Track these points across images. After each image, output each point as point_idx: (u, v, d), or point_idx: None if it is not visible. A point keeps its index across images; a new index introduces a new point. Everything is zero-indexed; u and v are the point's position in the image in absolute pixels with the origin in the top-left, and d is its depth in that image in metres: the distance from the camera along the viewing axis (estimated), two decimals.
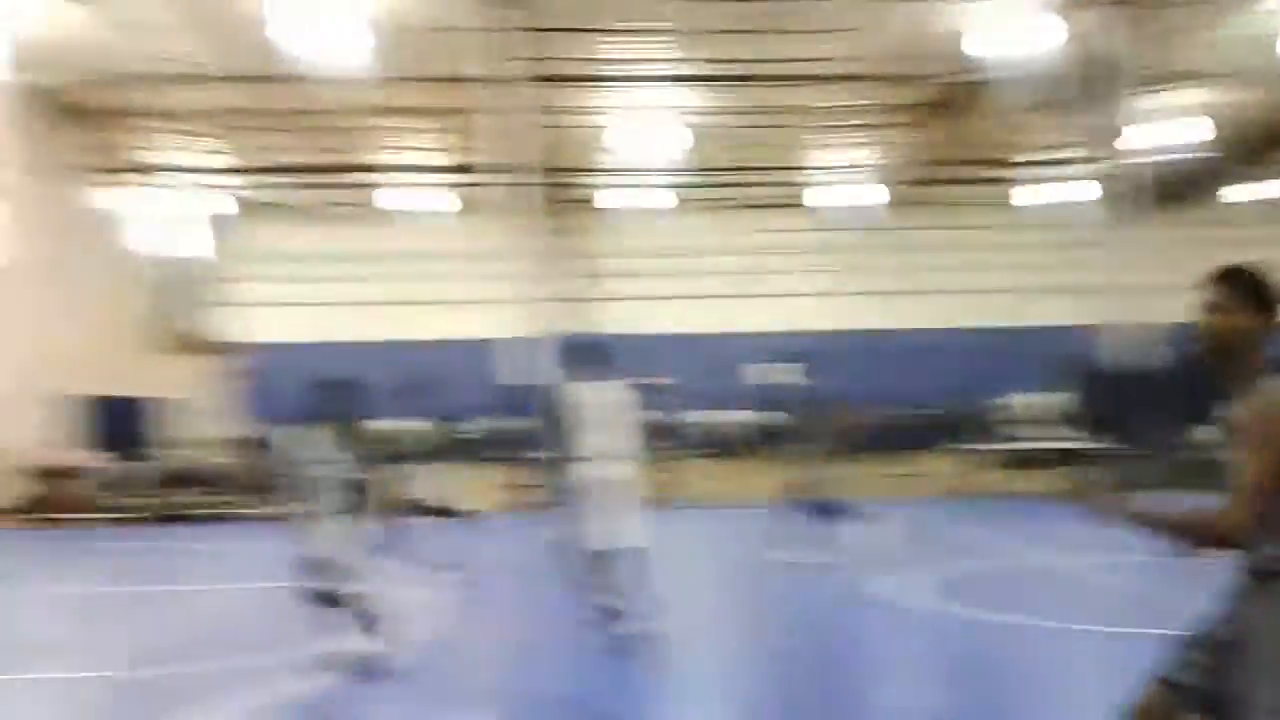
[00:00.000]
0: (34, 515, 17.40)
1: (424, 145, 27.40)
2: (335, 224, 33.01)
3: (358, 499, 7.00)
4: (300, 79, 21.02)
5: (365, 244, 32.49)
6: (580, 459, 7.66)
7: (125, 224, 27.38)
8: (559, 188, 26.69)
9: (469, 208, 30.66)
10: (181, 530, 16.01)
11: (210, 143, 26.59)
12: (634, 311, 27.53)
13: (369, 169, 27.48)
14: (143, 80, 21.91)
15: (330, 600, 6.58)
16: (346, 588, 6.63)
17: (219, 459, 19.73)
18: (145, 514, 17.14)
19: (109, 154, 25.33)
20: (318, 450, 7.01)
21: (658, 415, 25.56)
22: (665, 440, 23.95)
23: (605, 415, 7.77)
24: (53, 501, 17.48)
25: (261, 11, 18.33)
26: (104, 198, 26.07)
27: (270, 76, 20.90)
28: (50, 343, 22.04)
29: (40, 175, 21.50)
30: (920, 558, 12.26)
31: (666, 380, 25.11)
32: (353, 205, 31.61)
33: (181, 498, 17.78)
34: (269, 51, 19.99)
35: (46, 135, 22.14)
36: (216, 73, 20.96)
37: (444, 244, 31.52)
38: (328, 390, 7.30)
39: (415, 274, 31.18)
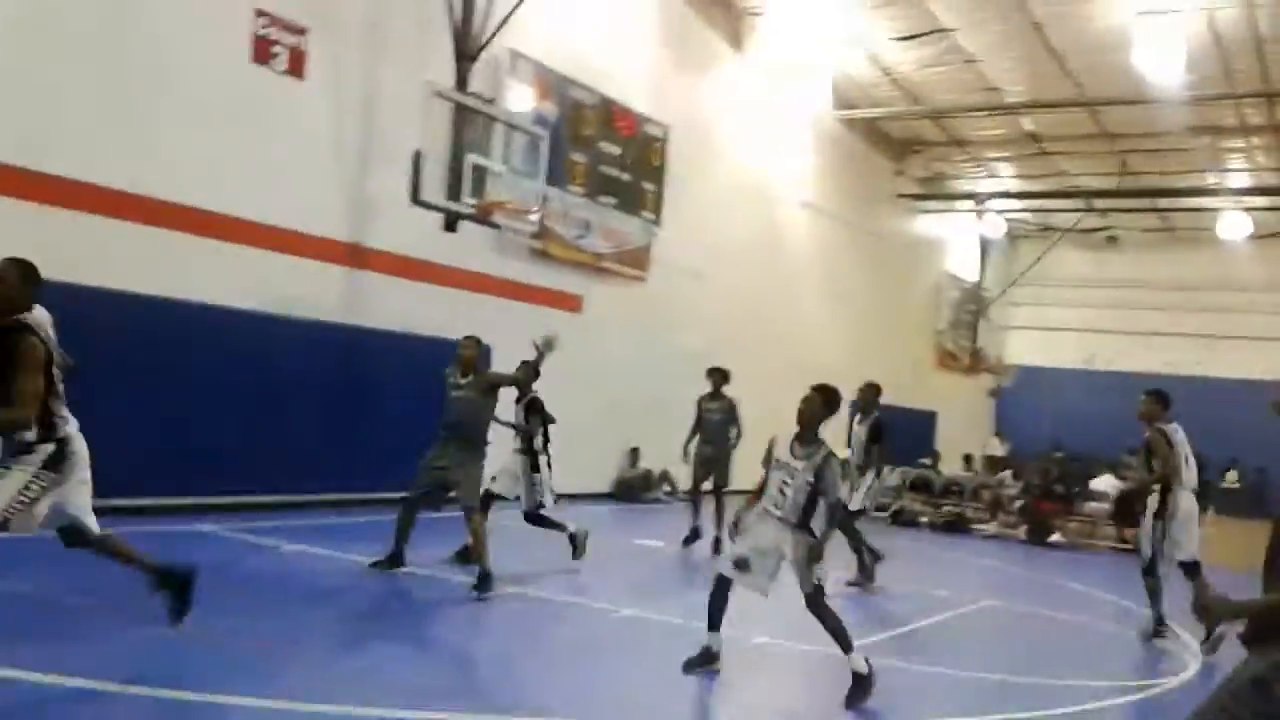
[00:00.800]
0: None
1: (1232, 166, 24.97)
2: (1124, 249, 31.76)
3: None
4: (1108, 103, 20.45)
5: (1154, 270, 30.79)
6: None
7: (931, 246, 29.03)
8: None
9: (1275, 233, 27.42)
10: (936, 537, 16.45)
11: (1006, 168, 27.11)
12: None
13: (1163, 193, 25.75)
14: (949, 112, 22.99)
15: None
16: None
17: (976, 474, 20.03)
18: (926, 520, 17.90)
19: (917, 181, 27.04)
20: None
21: None
22: None
23: None
24: None
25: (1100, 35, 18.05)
26: (913, 221, 27.85)
27: (1078, 102, 20.61)
28: (851, 351, 24.18)
29: (859, 201, 23.65)
30: None
31: None
32: (1146, 230, 30.04)
33: (950, 506, 18.29)
34: (1072, 77, 19.74)
35: (862, 165, 24.26)
36: (1020, 101, 21.19)
37: (1243, 272, 28.61)
38: None
39: (1210, 304, 28.72)
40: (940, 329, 29.85)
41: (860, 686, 5.94)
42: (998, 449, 29.57)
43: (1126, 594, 11.66)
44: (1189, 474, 8.67)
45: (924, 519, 18.09)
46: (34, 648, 5.36)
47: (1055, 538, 16.66)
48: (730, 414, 11.69)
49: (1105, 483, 18.05)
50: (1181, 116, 21.51)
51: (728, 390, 11.82)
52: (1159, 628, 8.70)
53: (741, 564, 6.11)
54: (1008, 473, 20.56)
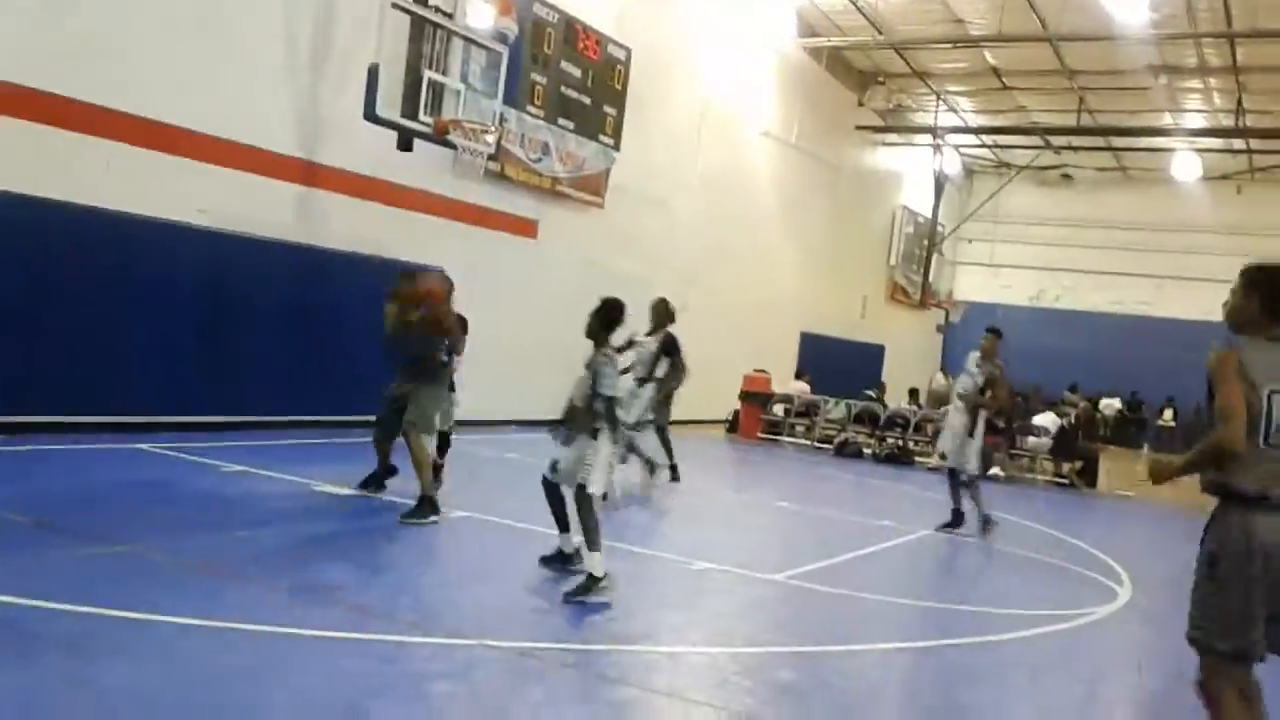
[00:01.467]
0: (735, 432, 19.75)
1: (1189, 107, 25.16)
2: (1078, 188, 32.04)
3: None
4: (1073, 38, 20.44)
5: (1106, 210, 31.15)
6: None
7: (887, 180, 29.05)
8: None
9: (1226, 176, 27.79)
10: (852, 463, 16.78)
11: (966, 103, 27.08)
12: None
13: (1120, 132, 25.90)
14: (913, 43, 22.87)
15: None
16: None
17: (920, 408, 20.34)
18: (870, 451, 18.21)
19: (878, 113, 26.93)
20: None
21: None
22: None
23: None
24: (752, 424, 19.54)
25: None
26: (872, 154, 27.81)
27: (1043, 37, 20.58)
28: (804, 283, 24.28)
29: (819, 132, 23.54)
30: None
31: None
32: (1100, 169, 30.30)
33: (893, 439, 18.59)
34: (1036, 11, 19.71)
35: (824, 96, 24.12)
36: (986, 34, 21.12)
37: (1194, 214, 29.04)
38: None
39: (1160, 245, 29.20)
40: (893, 263, 30.04)
41: (586, 587, 6.15)
42: (943, 383, 30.01)
43: (1062, 527, 12.01)
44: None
45: (868, 450, 18.40)
46: None
47: (994, 471, 17.01)
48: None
49: (1047, 419, 18.42)
50: (1142, 55, 21.58)
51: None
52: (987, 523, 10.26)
53: (553, 467, 6.66)
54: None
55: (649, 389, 10.68)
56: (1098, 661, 6.69)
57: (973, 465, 10.32)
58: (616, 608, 6.08)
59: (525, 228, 15.74)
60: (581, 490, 6.37)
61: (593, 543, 6.25)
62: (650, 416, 11.05)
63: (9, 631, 4.53)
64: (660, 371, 10.78)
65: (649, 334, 10.80)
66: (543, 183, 15.78)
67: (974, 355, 10.60)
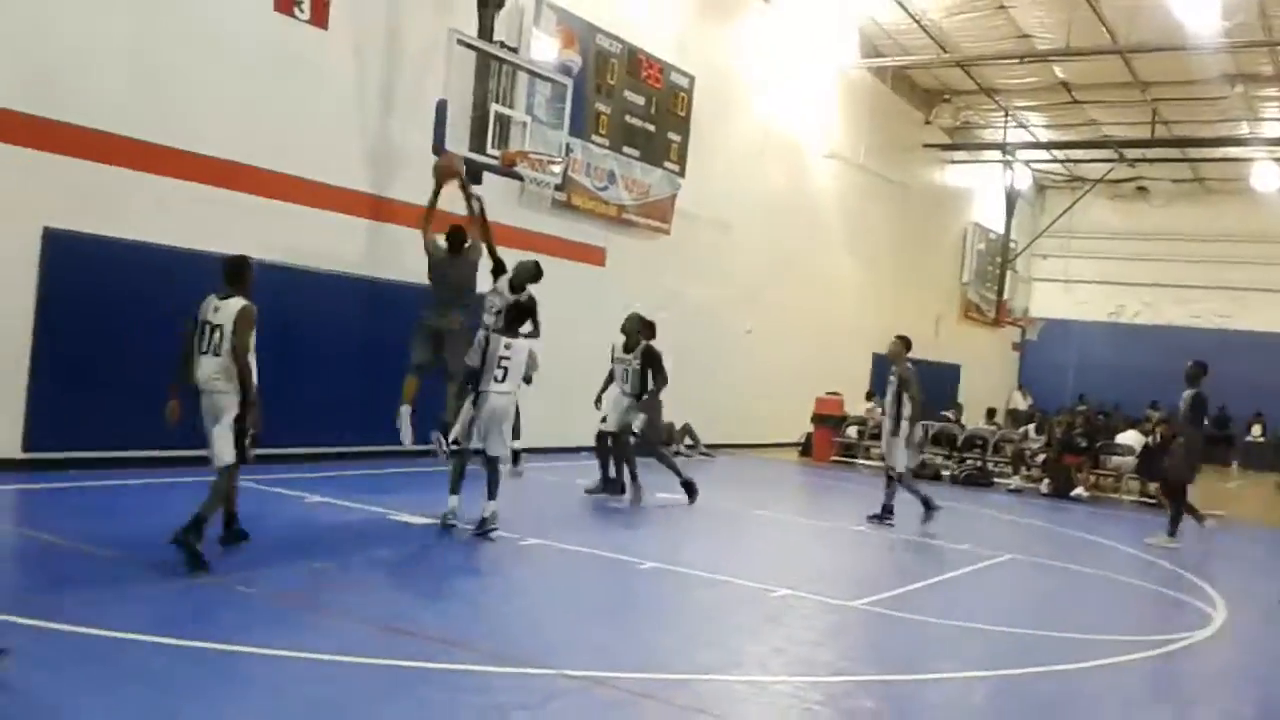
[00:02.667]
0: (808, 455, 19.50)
1: (1266, 115, 24.52)
2: (1154, 201, 31.38)
3: None
4: (1144, 50, 20.07)
5: (1183, 222, 30.47)
6: None
7: (957, 197, 28.71)
8: None
9: None
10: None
11: (1036, 117, 26.71)
12: None
13: (1195, 143, 25.31)
14: (979, 60, 22.63)
15: None
16: None
17: (999, 427, 19.93)
18: (948, 473, 17.86)
19: (945, 131, 26.68)
20: None
21: None
22: None
23: None
24: (826, 446, 19.30)
25: None
26: (941, 172, 27.52)
27: (1113, 50, 20.23)
28: (875, 304, 24.01)
29: (885, 151, 23.37)
30: None
31: None
32: (1176, 181, 29.62)
33: (972, 460, 18.23)
34: (1105, 23, 19.38)
35: (890, 114, 23.94)
36: (1053, 47, 20.82)
37: (1274, 224, 28.25)
38: None
39: (1239, 256, 28.42)
40: (965, 281, 29.61)
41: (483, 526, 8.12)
42: (1021, 402, 29.47)
43: (1150, 549, 11.65)
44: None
45: (946, 472, 18.06)
46: (71, 599, 5.46)
47: (1078, 492, 16.61)
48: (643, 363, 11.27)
49: (1130, 437, 17.95)
50: (1216, 64, 21.11)
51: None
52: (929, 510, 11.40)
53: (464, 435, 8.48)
54: (1031, 426, 20.49)
55: (632, 401, 10.90)
56: (1191, 689, 6.45)
57: (900, 463, 11.34)
58: (697, 635, 6.01)
59: (593, 255, 15.82)
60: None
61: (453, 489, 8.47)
62: (637, 429, 11.11)
63: (95, 664, 4.61)
64: (634, 385, 10.95)
65: (626, 350, 10.98)
66: (609, 210, 15.85)
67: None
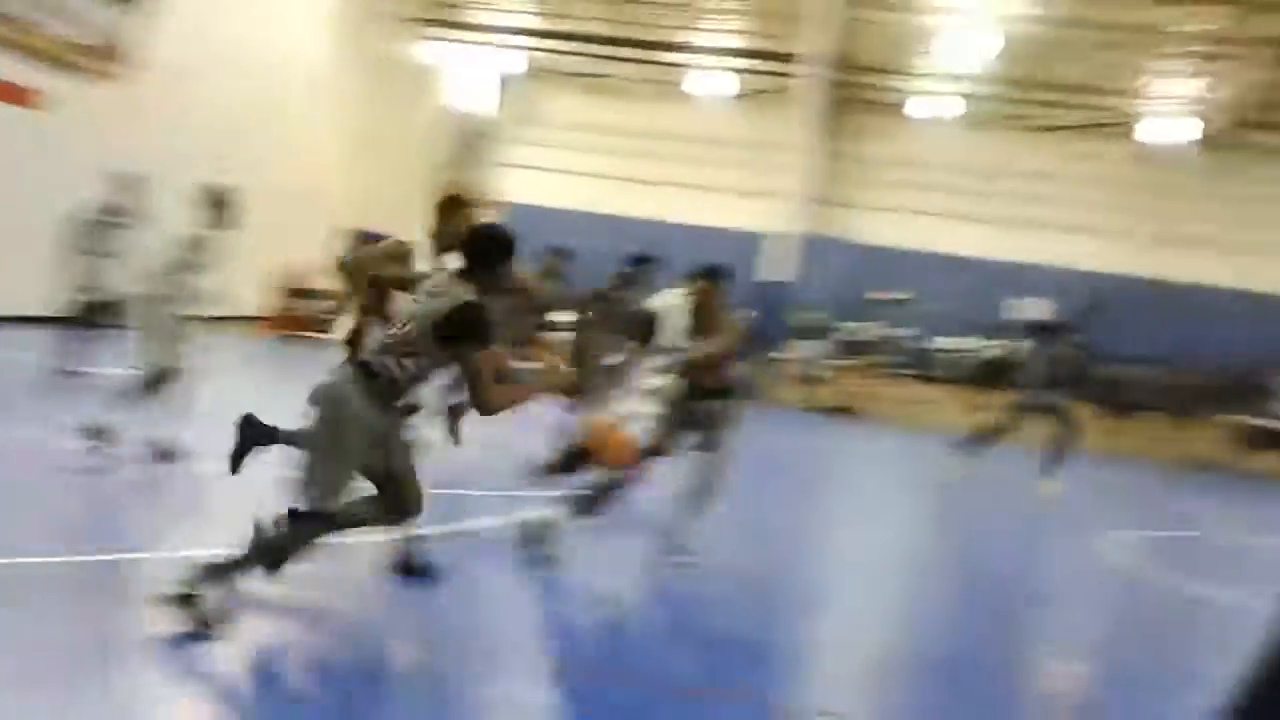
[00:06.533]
0: (282, 328, 19.18)
1: (721, 28, 27.16)
2: (619, 98, 33.40)
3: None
4: None
5: (642, 120, 32.79)
6: None
7: (437, 77, 28.56)
8: (854, 86, 25.84)
9: (758, 95, 30.12)
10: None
11: (516, 3, 27.25)
12: (904, 225, 26.60)
13: (661, 46, 27.45)
14: None
15: None
16: None
17: None
18: None
19: (431, 4, 26.36)
20: None
21: (897, 332, 25.12)
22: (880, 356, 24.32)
23: None
24: (296, 318, 19.03)
25: None
26: (421, 49, 27.17)
27: None
28: (353, 175, 23.47)
29: (367, 18, 22.57)
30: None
31: (904, 296, 24.69)
32: (640, 81, 31.75)
33: None
34: None
35: None
36: None
37: (721, 129, 31.35)
38: None
39: (688, 157, 31.23)
40: (440, 163, 29.82)
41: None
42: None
43: None
44: None
45: None
46: None
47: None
48: None
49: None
50: None
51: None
52: None
53: None
54: None
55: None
56: None
57: None
58: None
59: (27, 97, 13.73)
60: None
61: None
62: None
63: None
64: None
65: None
66: (50, 46, 13.78)
67: None
